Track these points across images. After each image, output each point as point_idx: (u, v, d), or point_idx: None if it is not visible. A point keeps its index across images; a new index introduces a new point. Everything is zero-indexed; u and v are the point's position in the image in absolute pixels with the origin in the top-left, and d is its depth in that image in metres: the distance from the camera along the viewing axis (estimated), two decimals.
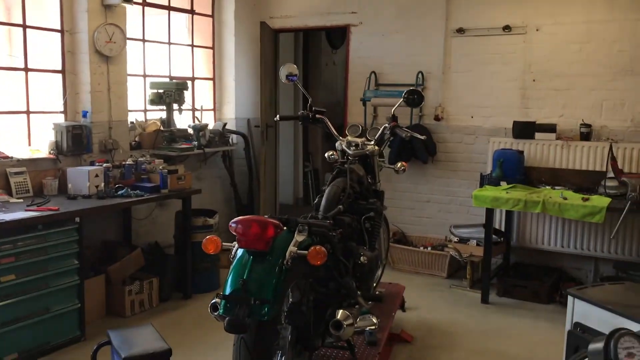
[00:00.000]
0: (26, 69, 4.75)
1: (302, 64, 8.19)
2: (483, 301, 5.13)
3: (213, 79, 6.72)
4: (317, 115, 3.78)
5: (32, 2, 4.75)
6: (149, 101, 5.71)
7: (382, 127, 3.83)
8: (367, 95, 6.21)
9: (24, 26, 4.71)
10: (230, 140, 6.46)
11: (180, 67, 6.29)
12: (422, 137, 3.95)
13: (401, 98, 3.77)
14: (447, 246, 5.64)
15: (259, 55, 6.57)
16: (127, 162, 5.03)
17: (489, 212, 5.06)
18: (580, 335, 2.30)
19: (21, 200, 4.30)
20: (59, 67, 4.97)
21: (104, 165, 4.80)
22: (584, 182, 5.19)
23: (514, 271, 5.60)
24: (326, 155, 3.94)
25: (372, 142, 3.78)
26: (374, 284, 4.36)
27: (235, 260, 2.40)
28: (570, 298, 2.37)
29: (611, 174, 4.84)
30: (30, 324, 3.83)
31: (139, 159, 5.16)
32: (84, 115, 5.04)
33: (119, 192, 4.63)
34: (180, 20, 6.30)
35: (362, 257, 3.20)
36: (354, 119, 6.39)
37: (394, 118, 3.80)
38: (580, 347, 2.02)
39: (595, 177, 5.11)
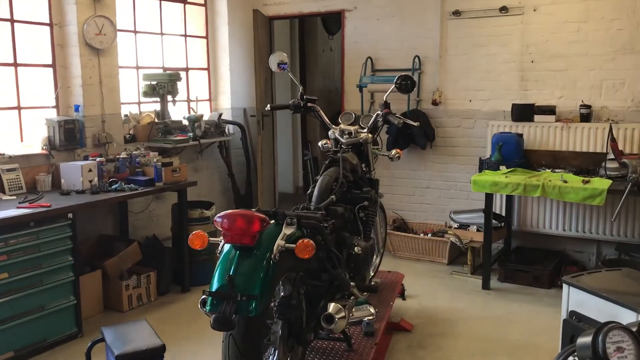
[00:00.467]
0: (15, 64, 4.69)
1: (299, 51, 8.10)
2: (484, 287, 5.08)
3: (208, 69, 6.64)
4: (309, 104, 3.71)
5: None
6: (142, 93, 5.65)
7: (375, 115, 3.76)
8: (364, 81, 6.12)
9: (12, 20, 4.64)
10: (226, 130, 6.39)
11: (174, 57, 6.21)
12: (415, 124, 3.88)
13: (393, 84, 3.68)
14: (447, 232, 5.57)
15: (253, 44, 6.49)
16: (121, 156, 4.98)
17: (489, 197, 4.99)
18: (576, 324, 2.24)
19: (14, 197, 4.26)
20: (49, 61, 4.91)
21: (98, 159, 4.74)
22: (585, 164, 5.12)
23: (516, 256, 5.54)
24: (319, 144, 3.89)
25: (366, 130, 3.71)
26: (372, 274, 4.33)
27: (221, 256, 2.35)
28: (565, 286, 2.31)
29: (611, 156, 4.75)
30: (26, 322, 3.81)
31: (133, 152, 5.11)
32: (76, 110, 4.99)
33: (113, 187, 4.58)
34: (175, 10, 6.21)
35: (356, 248, 3.16)
36: (351, 106, 6.32)
37: (386, 105, 3.72)
38: (576, 336, 1.96)
39: (595, 159, 5.03)
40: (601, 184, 4.56)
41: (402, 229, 6.19)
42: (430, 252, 5.85)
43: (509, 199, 5.48)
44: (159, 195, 5.65)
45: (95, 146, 5.07)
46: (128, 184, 4.68)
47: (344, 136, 3.64)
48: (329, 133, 3.73)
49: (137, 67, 5.75)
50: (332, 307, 2.65)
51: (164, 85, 5.56)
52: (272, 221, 2.50)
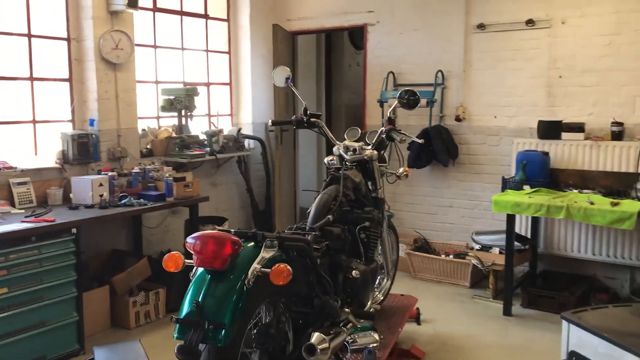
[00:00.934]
0: (31, 78, 4.73)
1: (325, 66, 7.99)
2: (505, 313, 4.82)
3: (230, 84, 6.60)
4: (312, 119, 3.59)
5: (38, 11, 4.73)
6: (160, 108, 5.64)
7: (379, 131, 3.60)
8: (385, 96, 5.96)
9: (29, 35, 4.69)
10: (246, 145, 6.33)
11: (196, 72, 6.20)
12: (420, 141, 3.71)
13: (397, 100, 3.52)
14: (467, 254, 5.33)
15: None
16: (134, 170, 4.95)
17: (510, 218, 4.74)
18: None
19: (22, 210, 4.26)
20: (66, 76, 4.94)
21: (109, 174, 4.72)
22: (615, 185, 4.82)
23: (542, 280, 5.25)
24: (325, 160, 3.75)
25: (370, 147, 3.55)
26: (382, 297, 4.15)
27: (193, 280, 2.23)
28: (564, 323, 2.09)
29: None
30: (26, 338, 3.76)
31: (147, 167, 5.07)
32: (91, 124, 4.99)
33: (122, 201, 4.54)
34: (197, 25, 6.20)
35: (353, 272, 3.00)
36: (372, 121, 6.17)
37: (390, 121, 3.56)
38: None
39: (627, 180, 4.74)
40: (632, 206, 4.27)
41: (424, 249, 5.97)
42: (452, 274, 5.61)
43: (535, 220, 5.21)
44: (175, 210, 5.60)
45: (110, 160, 5.06)
46: (139, 199, 4.65)
47: (348, 153, 3.50)
48: (334, 149, 3.60)
49: (157, 82, 5.74)
50: (315, 336, 2.49)
51: (181, 100, 5.53)
52: (252, 243, 2.38)
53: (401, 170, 3.73)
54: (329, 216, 3.02)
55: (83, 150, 4.81)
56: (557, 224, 5.17)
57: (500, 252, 5.14)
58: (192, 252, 2.20)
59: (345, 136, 3.66)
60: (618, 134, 4.93)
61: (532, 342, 4.31)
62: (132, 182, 4.91)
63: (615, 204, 4.32)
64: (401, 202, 6.21)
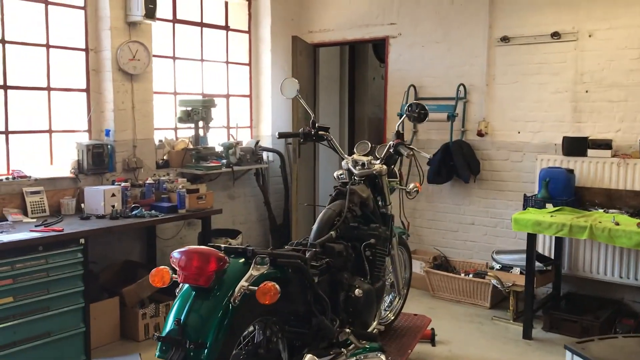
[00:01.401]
0: (49, 88, 4.76)
1: (349, 79, 7.92)
2: (525, 336, 4.62)
3: (250, 96, 6.57)
4: (320, 132, 3.50)
5: (57, 22, 4.77)
6: (177, 119, 5.62)
7: (388, 145, 3.49)
8: (405, 110, 5.82)
9: (47, 46, 4.73)
10: (264, 158, 6.27)
11: (216, 84, 6.18)
12: (428, 156, 3.58)
13: (404, 114, 3.41)
14: (487, 274, 5.14)
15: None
16: (148, 181, 4.93)
17: (531, 238, 4.56)
18: None
19: (34, 220, 4.27)
20: (84, 86, 4.96)
21: (122, 184, 4.71)
22: None
23: (565, 303, 5.03)
24: (335, 174, 3.65)
25: (379, 161, 3.44)
26: (393, 317, 4.02)
27: (177, 296, 2.15)
28: (568, 354, 1.94)
29: None
30: (31, 348, 3.74)
31: (161, 178, 5.05)
32: (107, 134, 5.00)
33: (133, 212, 4.51)
34: (218, 36, 6.20)
35: (356, 290, 2.88)
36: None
37: (398, 135, 3.45)
38: None
39: None
40: None
41: (443, 267, 5.79)
42: (471, 294, 5.42)
43: (559, 239, 5.00)
44: (190, 221, 5.57)
45: (125, 171, 5.06)
46: (150, 210, 4.62)
47: (357, 167, 3.40)
48: (342, 163, 3.50)
49: (175, 93, 5.74)
50: (307, 358, 2.38)
51: (198, 111, 5.51)
52: (242, 260, 2.29)
53: (411, 186, 3.60)
54: (332, 232, 2.93)
55: (98, 161, 4.81)
56: (582, 244, 4.95)
57: (521, 273, 4.94)
58: (177, 268, 2.12)
59: (355, 150, 3.56)
60: None
61: None
62: (145, 193, 4.89)
63: None
64: (421, 219, 6.06)
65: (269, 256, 2.29)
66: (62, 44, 4.82)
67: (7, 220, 4.14)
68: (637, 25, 4.80)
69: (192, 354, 1.98)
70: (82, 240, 4.00)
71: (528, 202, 4.91)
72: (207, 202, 4.95)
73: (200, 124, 5.64)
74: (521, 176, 5.46)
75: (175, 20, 5.66)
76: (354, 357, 2.98)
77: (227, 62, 6.31)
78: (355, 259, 3.08)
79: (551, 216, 4.46)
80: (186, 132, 5.84)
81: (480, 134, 5.58)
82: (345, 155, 3.49)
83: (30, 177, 4.48)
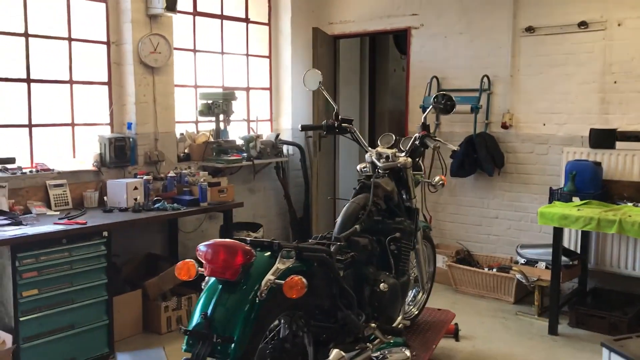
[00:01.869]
0: (71, 81, 4.77)
1: (369, 71, 7.84)
2: (551, 332, 4.54)
3: (270, 89, 6.54)
4: (344, 124, 3.45)
5: (79, 15, 4.77)
6: (198, 112, 5.61)
7: (413, 137, 3.43)
8: (428, 102, 5.75)
9: (70, 39, 4.73)
10: (285, 151, 6.24)
11: (236, 77, 6.16)
12: (456, 148, 3.52)
13: (429, 106, 3.34)
14: (512, 269, 5.06)
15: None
16: (170, 175, 4.93)
17: (558, 232, 4.47)
18: None
19: (58, 212, 4.28)
20: (105, 79, 4.96)
21: (145, 177, 4.71)
22: None
23: (591, 298, 4.94)
24: (358, 167, 3.60)
25: (404, 154, 3.39)
26: (417, 312, 3.97)
27: (204, 290, 2.12)
28: (605, 351, 1.88)
29: None
30: (54, 340, 3.75)
31: (183, 171, 5.04)
32: (129, 127, 5.00)
33: (156, 205, 4.51)
34: (238, 29, 6.17)
35: (381, 285, 2.84)
36: (415, 127, 5.95)
37: (424, 126, 3.39)
38: None
39: None
40: None
41: (466, 261, 5.72)
42: (495, 289, 5.34)
43: (585, 234, 4.90)
44: (212, 215, 5.56)
45: (146, 164, 5.06)
46: (172, 203, 4.61)
47: (381, 160, 3.34)
48: (366, 156, 3.45)
49: (196, 86, 5.72)
50: (333, 354, 2.35)
51: (219, 105, 5.49)
52: (268, 253, 2.25)
53: (437, 178, 3.54)
54: (356, 226, 2.88)
55: (120, 154, 4.81)
56: (609, 238, 4.85)
57: (546, 267, 4.85)
58: (203, 261, 2.10)
59: (378, 142, 3.51)
60: None
61: None
62: (167, 186, 4.89)
63: None
64: (444, 212, 5.99)
65: (294, 249, 2.25)
66: (84, 37, 4.82)
67: (31, 213, 4.15)
68: None
69: (219, 348, 1.96)
70: (105, 233, 4.00)
71: (554, 195, 4.81)
72: (228, 196, 4.94)
73: (221, 117, 5.61)
74: (546, 169, 5.36)
75: (195, 13, 5.64)
76: (379, 352, 2.95)
77: (247, 55, 6.28)
78: (379, 253, 3.03)
79: (578, 210, 4.37)
80: (206, 126, 5.83)
81: (504, 126, 5.49)
82: (369, 148, 3.43)
83: (53, 170, 4.49)
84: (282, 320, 2.40)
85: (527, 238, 5.45)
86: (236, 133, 5.95)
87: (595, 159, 4.89)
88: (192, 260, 2.24)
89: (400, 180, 3.41)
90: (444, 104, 3.35)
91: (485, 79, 5.57)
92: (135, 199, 4.50)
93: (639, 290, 4.88)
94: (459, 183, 5.83)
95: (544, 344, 4.38)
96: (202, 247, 2.12)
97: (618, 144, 4.83)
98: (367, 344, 2.70)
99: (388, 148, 3.42)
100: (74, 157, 4.82)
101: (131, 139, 4.93)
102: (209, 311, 2.02)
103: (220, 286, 2.09)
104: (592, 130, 4.96)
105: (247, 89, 6.27)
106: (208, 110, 5.53)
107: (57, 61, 4.70)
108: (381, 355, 2.97)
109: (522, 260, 5.07)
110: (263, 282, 2.08)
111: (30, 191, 4.34)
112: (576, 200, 4.64)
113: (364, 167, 3.53)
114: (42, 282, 3.68)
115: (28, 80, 4.49)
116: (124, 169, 4.90)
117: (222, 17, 5.93)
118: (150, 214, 4.37)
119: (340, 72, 6.94)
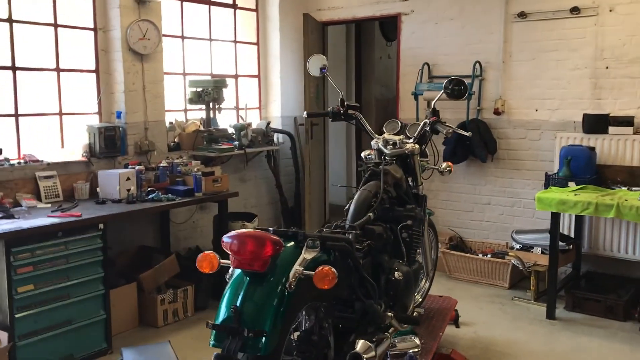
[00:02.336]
0: (58, 69, 4.61)
1: (355, 58, 7.79)
2: (548, 316, 4.57)
3: (258, 76, 6.43)
4: (350, 111, 3.39)
5: (65, 0, 4.60)
6: (188, 100, 5.49)
7: (422, 123, 3.39)
8: (419, 88, 5.73)
9: (55, 25, 4.56)
10: (275, 139, 6.16)
11: (224, 64, 6.04)
12: (467, 134, 3.49)
13: (441, 90, 3.30)
14: (507, 254, 5.09)
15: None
16: (162, 164, 4.81)
17: (555, 217, 4.50)
18: None
19: (49, 205, 4.14)
20: (93, 67, 4.81)
21: (137, 167, 4.59)
22: None
23: (586, 282, 5.00)
24: (362, 154, 3.55)
25: (412, 140, 3.34)
26: (420, 299, 3.95)
27: (230, 282, 2.05)
28: None
29: None
30: (52, 336, 3.65)
31: (175, 161, 4.93)
32: (118, 116, 4.86)
33: (150, 196, 4.40)
34: (225, 15, 6.04)
35: (396, 273, 2.80)
36: (406, 114, 5.94)
37: (434, 112, 3.35)
38: None
39: None
40: None
41: (459, 247, 5.73)
42: (489, 275, 5.37)
43: (579, 218, 4.95)
44: (203, 205, 5.46)
45: (137, 154, 4.93)
46: (167, 194, 4.51)
47: (388, 147, 3.30)
48: (372, 143, 3.40)
49: (184, 74, 5.59)
50: (360, 344, 2.30)
51: (209, 92, 5.37)
52: (292, 243, 2.19)
53: (444, 165, 3.51)
54: (370, 214, 2.83)
55: (110, 144, 4.68)
56: (602, 222, 4.90)
57: (542, 252, 4.89)
58: (229, 252, 2.02)
59: (384, 129, 3.46)
60: None
61: (579, 348, 4.07)
62: (159, 177, 4.77)
63: None
64: (436, 199, 5.97)
65: (319, 239, 2.20)
66: (70, 23, 4.66)
67: (21, 206, 4.01)
68: None
69: (250, 342, 1.89)
70: (101, 226, 3.89)
71: (550, 180, 4.83)
72: (222, 185, 4.84)
73: (211, 105, 5.49)
74: (539, 155, 5.38)
75: None
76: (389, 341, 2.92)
77: (235, 42, 6.16)
78: (392, 240, 2.99)
79: (575, 195, 4.40)
80: (194, 114, 5.71)
81: (496, 112, 5.49)
82: (376, 135, 3.38)
83: (42, 161, 4.34)
84: (303, 312, 2.34)
85: (519, 224, 5.48)
86: (224, 121, 5.84)
87: (589, 143, 4.92)
88: (213, 252, 2.16)
89: (407, 167, 3.37)
90: (452, 89, 3.30)
91: (477, 65, 5.55)
92: (129, 190, 4.38)
93: (630, 273, 4.95)
94: None
95: (543, 329, 4.41)
96: (226, 238, 2.04)
97: (611, 129, 4.87)
98: (386, 333, 2.66)
99: (394, 134, 3.37)
100: (62, 147, 4.67)
101: (121, 129, 4.79)
102: (238, 304, 1.95)
103: (248, 278, 2.02)
104: (585, 116, 4.99)
105: (236, 77, 6.16)
106: (198, 98, 5.41)
107: (43, 48, 4.53)
108: (391, 344, 2.95)
109: (517, 246, 5.10)
110: (291, 274, 2.02)
111: (19, 183, 4.19)
112: (572, 185, 4.67)
113: (368, 154, 3.48)
114: (37, 277, 3.57)
115: (13, 68, 4.32)
116: (114, 159, 4.77)
117: (209, 2, 5.79)
118: (145, 205, 4.25)
119: (328, 60, 6.85)
